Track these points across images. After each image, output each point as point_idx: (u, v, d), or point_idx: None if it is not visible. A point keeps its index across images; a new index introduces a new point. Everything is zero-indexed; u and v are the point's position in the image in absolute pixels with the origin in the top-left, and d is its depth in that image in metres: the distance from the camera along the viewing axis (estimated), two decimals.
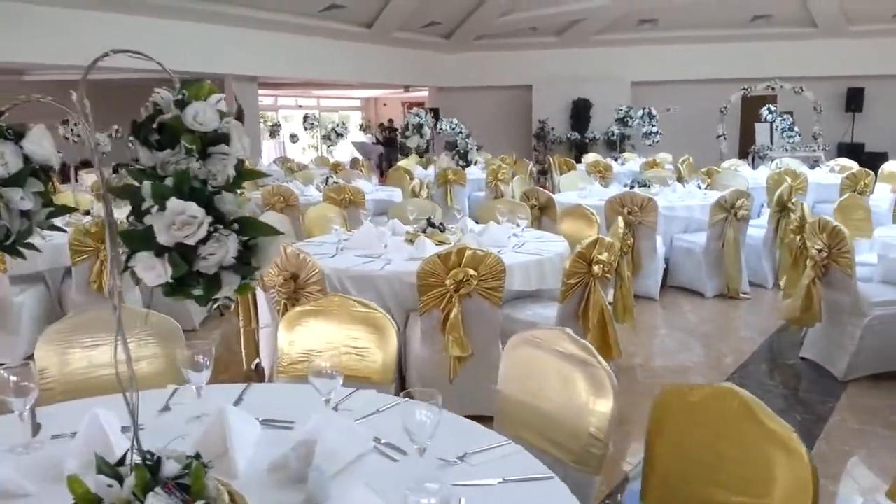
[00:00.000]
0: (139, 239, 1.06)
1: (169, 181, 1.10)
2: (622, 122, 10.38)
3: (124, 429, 1.69)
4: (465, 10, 14.48)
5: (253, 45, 12.58)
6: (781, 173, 7.33)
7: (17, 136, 1.18)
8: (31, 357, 4.58)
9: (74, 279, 4.60)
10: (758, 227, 6.11)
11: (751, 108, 15.32)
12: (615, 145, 14.63)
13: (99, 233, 4.56)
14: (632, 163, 10.81)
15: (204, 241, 1.06)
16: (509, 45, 16.06)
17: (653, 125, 10.03)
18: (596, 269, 3.49)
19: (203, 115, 1.27)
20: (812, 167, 8.93)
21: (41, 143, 1.19)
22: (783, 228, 5.94)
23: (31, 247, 1.21)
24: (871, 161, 9.82)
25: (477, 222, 4.82)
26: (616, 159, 11.11)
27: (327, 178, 7.80)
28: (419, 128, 7.27)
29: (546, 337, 1.99)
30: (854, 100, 14.85)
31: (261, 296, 4.11)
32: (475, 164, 9.43)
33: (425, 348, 3.52)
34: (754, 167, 9.18)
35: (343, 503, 1.27)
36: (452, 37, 15.99)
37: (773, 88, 13.46)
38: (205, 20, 11.63)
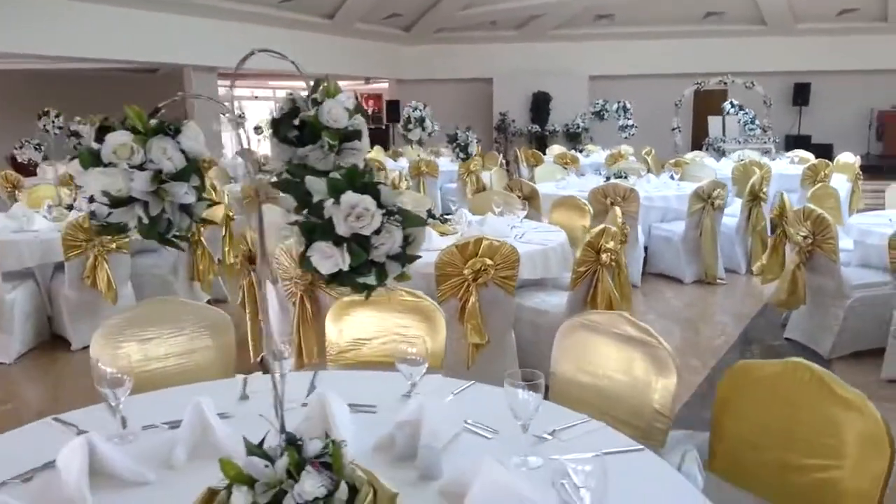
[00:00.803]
0: (320, 230, 1.12)
1: (329, 176, 1.17)
2: (598, 115, 10.60)
3: (220, 416, 1.74)
4: (426, 2, 14.50)
5: (213, 35, 12.36)
6: (747, 164, 7.64)
7: (175, 131, 1.22)
8: (23, 356, 4.48)
9: (67, 274, 4.52)
10: (729, 217, 6.37)
11: (702, 102, 15.83)
12: (576, 137, 14.91)
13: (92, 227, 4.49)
14: (596, 154, 11.06)
15: (377, 231, 1.13)
16: (469, 38, 16.16)
17: (628, 118, 10.28)
18: (604, 257, 3.64)
19: (335, 112, 1.34)
20: (770, 159, 9.30)
21: (196, 139, 1.23)
22: (755, 217, 6.23)
23: (185, 239, 1.25)
24: (818, 153, 10.26)
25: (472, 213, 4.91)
26: (581, 151, 11.34)
27: None
28: (421, 121, 7.31)
29: (603, 320, 2.10)
30: (801, 94, 15.46)
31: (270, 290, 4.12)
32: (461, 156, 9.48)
33: None
34: (717, 160, 9.51)
35: (477, 476, 1.35)
36: (412, 29, 16.00)
37: (724, 83, 13.90)
38: (165, 9, 11.38)
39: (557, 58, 16.00)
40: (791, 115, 15.70)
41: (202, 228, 5.16)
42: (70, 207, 5.20)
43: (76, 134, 4.97)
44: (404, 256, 1.17)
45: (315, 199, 1.16)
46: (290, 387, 1.95)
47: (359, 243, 1.12)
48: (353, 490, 1.33)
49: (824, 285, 4.20)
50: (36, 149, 5.22)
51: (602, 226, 3.70)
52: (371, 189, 1.15)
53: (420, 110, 7.43)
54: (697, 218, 5.90)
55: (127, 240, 4.64)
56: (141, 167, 1.17)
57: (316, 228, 1.13)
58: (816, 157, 8.66)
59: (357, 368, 2.44)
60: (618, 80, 15.96)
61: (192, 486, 1.53)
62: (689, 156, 9.55)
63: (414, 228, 1.23)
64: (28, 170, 10.23)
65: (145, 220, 1.17)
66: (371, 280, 1.16)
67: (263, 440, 1.36)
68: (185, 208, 1.21)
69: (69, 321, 4.61)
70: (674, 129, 14.18)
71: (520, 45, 16.13)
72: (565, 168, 8.44)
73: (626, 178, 6.84)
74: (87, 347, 4.57)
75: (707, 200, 5.85)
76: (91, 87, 14.68)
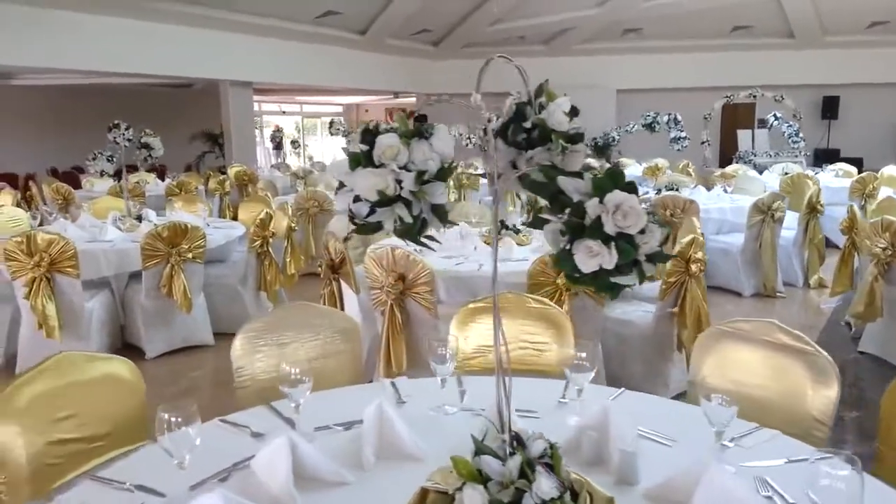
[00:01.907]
0: (589, 228, 1.14)
1: (594, 176, 1.19)
2: (649, 127, 10.61)
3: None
4: (456, 18, 14.62)
5: (248, 50, 12.50)
6: (795, 177, 7.63)
7: (429, 135, 1.24)
8: None
9: (144, 283, 4.56)
10: (786, 229, 6.35)
11: (729, 116, 15.85)
12: (603, 151, 14.93)
13: (170, 237, 4.54)
14: (632, 167, 11.06)
15: (641, 230, 1.15)
16: (497, 53, 16.23)
17: (680, 130, 10.28)
18: (693, 267, 3.64)
19: (558, 115, 1.36)
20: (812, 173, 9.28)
21: (447, 142, 1.26)
22: (811, 229, 6.21)
23: (433, 238, 1.27)
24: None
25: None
26: (617, 165, 11.33)
27: None
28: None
29: (752, 329, 2.10)
30: (829, 107, 15.43)
31: (348, 298, 4.15)
32: None
33: None
34: (759, 173, 9.49)
35: (701, 482, 1.35)
36: (441, 44, 16.12)
37: (754, 96, 13.88)
38: (201, 25, 11.52)
39: (585, 72, 16.06)
40: (820, 129, 15.66)
41: (270, 240, 5.21)
42: (139, 218, 5.26)
43: (147, 146, 5.02)
44: (661, 255, 1.18)
45: (575, 198, 1.18)
46: (437, 392, 1.98)
47: (626, 242, 1.14)
48: (573, 493, 1.34)
49: None
50: (108, 160, 5.28)
51: (691, 236, 3.70)
52: (632, 189, 1.17)
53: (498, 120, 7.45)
54: (757, 230, 5.89)
55: (202, 250, 4.69)
56: (406, 168, 1.19)
57: (583, 227, 1.15)
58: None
59: (483, 375, 2.44)
60: (645, 94, 15.99)
61: (386, 487, 1.56)
62: (730, 169, 9.53)
63: (664, 228, 1.24)
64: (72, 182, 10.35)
65: (408, 220, 1.19)
66: (629, 279, 1.17)
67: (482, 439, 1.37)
68: (437, 209, 1.23)
69: (144, 330, 4.65)
70: (703, 143, 14.17)
71: (547, 60, 16.20)
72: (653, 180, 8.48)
73: (678, 190, 6.85)
74: (161, 356, 4.64)
75: (767, 212, 5.84)
76: (128, 101, 14.86)
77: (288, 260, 5.64)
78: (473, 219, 5.07)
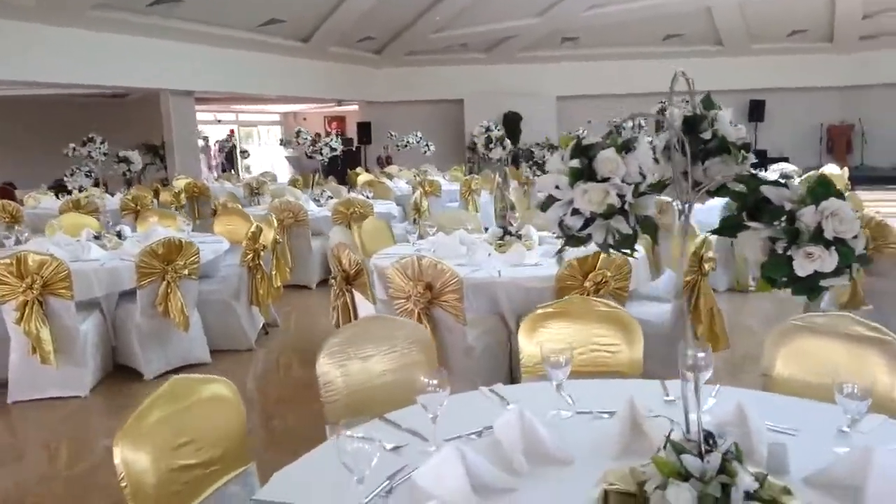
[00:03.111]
0: (811, 235, 1.20)
1: (810, 184, 1.26)
2: (616, 131, 10.86)
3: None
4: (400, 26, 14.64)
5: (189, 58, 12.17)
6: None
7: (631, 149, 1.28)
8: (93, 389, 4.29)
9: (139, 302, 4.39)
10: None
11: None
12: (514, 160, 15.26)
13: (165, 254, 4.39)
14: None
15: (855, 235, 1.22)
16: (439, 60, 16.37)
17: (646, 135, 10.58)
18: (706, 266, 3.80)
19: (725, 125, 1.43)
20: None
21: (647, 154, 1.30)
22: None
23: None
24: None
25: None
26: None
27: (322, 192, 7.74)
28: (501, 140, 7.37)
29: (828, 322, 2.23)
30: (756, 110, 16.23)
31: (363, 309, 4.12)
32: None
33: None
34: None
35: (870, 467, 1.43)
36: (384, 52, 16.10)
37: (686, 101, 14.50)
38: (142, 33, 11.14)
39: (526, 79, 16.37)
40: (747, 131, 16.43)
41: (261, 253, 5.11)
42: (119, 235, 5.05)
43: (126, 160, 4.82)
44: (865, 258, 1.26)
45: (787, 206, 1.24)
46: (538, 397, 2.02)
47: (844, 246, 1.21)
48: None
49: (888, 287, 4.47)
50: (87, 175, 5.04)
51: (703, 235, 3.85)
52: (842, 196, 1.24)
53: (497, 129, 7.48)
54: None
55: (197, 266, 4.56)
56: (624, 181, 1.22)
57: (797, 233, 1.21)
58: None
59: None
60: (583, 100, 16.43)
61: (552, 489, 1.62)
62: None
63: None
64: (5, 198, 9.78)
65: (626, 231, 1.22)
66: (840, 281, 1.24)
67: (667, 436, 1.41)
68: (646, 221, 1.27)
69: (140, 350, 4.47)
70: None
71: (489, 67, 16.44)
72: None
73: None
74: (160, 376, 4.47)
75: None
76: (58, 113, 14.19)
77: (274, 273, 5.53)
78: (469, 226, 5.11)
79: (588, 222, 1.22)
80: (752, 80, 16.02)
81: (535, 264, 4.07)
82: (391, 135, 13.02)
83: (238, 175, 12.53)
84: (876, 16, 14.19)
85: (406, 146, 11.32)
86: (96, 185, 5.34)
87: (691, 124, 1.43)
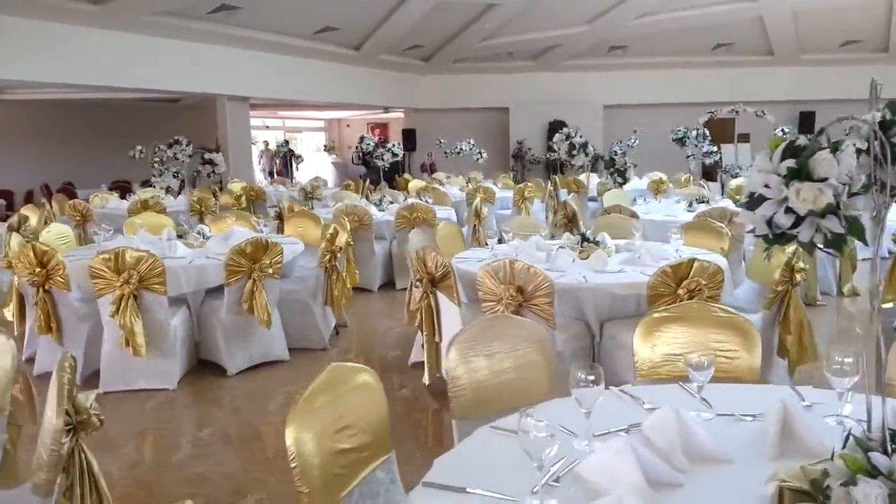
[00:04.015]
0: None
1: None
2: (680, 141, 10.85)
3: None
4: (449, 34, 14.77)
5: (246, 65, 12.43)
6: None
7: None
8: (179, 382, 4.39)
9: (226, 298, 4.51)
10: None
11: (710, 131, 16.32)
12: (593, 166, 15.22)
13: (253, 253, 4.50)
14: (636, 181, 11.32)
15: None
16: (485, 68, 16.47)
17: (711, 145, 10.56)
18: (798, 277, 3.78)
19: None
20: None
21: (852, 156, 1.32)
22: None
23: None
24: None
25: None
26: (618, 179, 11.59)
27: (383, 197, 7.84)
28: (584, 146, 7.44)
29: None
30: (806, 122, 16.04)
31: (446, 311, 4.17)
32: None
33: None
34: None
35: None
36: (431, 60, 16.25)
37: (736, 112, 14.36)
38: (198, 39, 11.40)
39: (572, 87, 16.39)
40: None
41: (338, 255, 5.20)
42: (201, 234, 5.18)
43: (210, 162, 4.96)
44: None
45: None
46: (676, 399, 2.04)
47: None
48: None
49: None
50: (174, 176, 5.20)
51: (794, 245, 3.83)
52: None
53: (579, 135, 7.54)
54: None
55: (281, 265, 4.66)
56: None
57: None
58: None
59: (671, 382, 2.50)
60: (630, 109, 16.40)
61: (722, 487, 1.62)
62: (733, 184, 9.84)
63: None
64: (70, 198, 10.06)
65: (838, 231, 1.25)
66: None
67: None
68: (854, 221, 1.30)
69: (224, 346, 4.58)
70: (688, 157, 14.57)
71: (536, 75, 16.49)
72: (656, 194, 8.72)
73: (707, 202, 7.06)
74: (241, 372, 4.57)
75: None
76: (115, 116, 14.57)
77: (344, 275, 5.62)
78: (542, 231, 5.14)
79: (798, 221, 1.25)
80: (803, 91, 15.83)
81: (619, 271, 4.09)
82: (440, 142, 13.14)
83: (292, 179, 12.70)
84: None
85: (459, 153, 11.39)
86: (182, 185, 5.47)
87: (884, 129, 1.45)
